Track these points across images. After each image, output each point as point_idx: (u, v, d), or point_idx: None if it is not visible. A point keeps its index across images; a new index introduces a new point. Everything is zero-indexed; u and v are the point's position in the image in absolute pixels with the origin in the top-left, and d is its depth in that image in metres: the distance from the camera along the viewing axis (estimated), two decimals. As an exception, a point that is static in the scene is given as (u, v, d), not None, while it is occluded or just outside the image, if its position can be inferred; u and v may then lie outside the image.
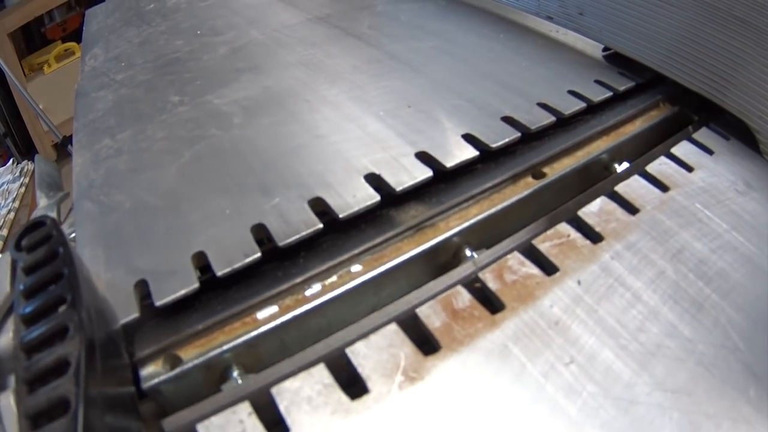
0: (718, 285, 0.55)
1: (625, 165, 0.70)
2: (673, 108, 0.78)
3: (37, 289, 0.45)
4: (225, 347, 0.53)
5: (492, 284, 0.54)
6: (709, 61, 0.72)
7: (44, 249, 0.47)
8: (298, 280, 0.58)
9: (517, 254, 0.57)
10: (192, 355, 0.53)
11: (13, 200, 2.50)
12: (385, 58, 0.92)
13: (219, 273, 0.56)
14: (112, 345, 0.48)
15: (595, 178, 0.68)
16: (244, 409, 0.46)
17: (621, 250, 0.57)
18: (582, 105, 0.75)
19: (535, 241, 0.58)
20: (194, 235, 0.61)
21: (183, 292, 0.55)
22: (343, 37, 1.02)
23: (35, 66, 3.66)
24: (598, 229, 0.59)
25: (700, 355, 0.49)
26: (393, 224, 0.62)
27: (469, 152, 0.67)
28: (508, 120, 0.72)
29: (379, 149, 0.69)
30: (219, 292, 0.58)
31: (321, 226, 0.60)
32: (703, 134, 0.71)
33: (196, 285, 0.55)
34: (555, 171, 0.69)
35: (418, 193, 0.65)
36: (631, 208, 0.61)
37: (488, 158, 0.69)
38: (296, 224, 0.60)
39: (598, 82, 0.79)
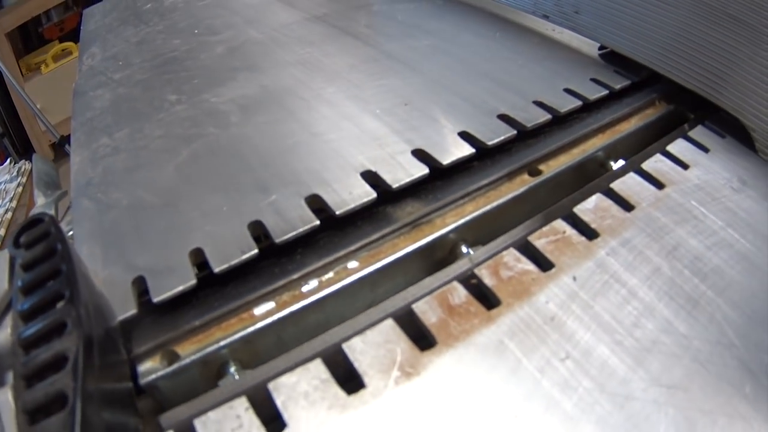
0: (714, 282, 0.55)
1: (621, 162, 0.70)
2: (669, 106, 0.78)
3: (35, 285, 0.45)
4: (222, 343, 0.53)
5: (488, 280, 0.54)
6: (704, 59, 0.72)
7: (42, 246, 0.47)
8: (295, 276, 0.58)
9: (512, 250, 0.57)
10: (189, 351, 0.53)
11: (11, 200, 2.49)
12: (381, 57, 0.92)
13: (216, 269, 0.56)
14: (110, 341, 0.48)
15: (590, 176, 0.68)
16: (241, 404, 0.46)
17: (616, 246, 0.57)
18: (578, 103, 0.75)
19: (530, 238, 0.58)
20: (191, 232, 0.61)
21: (180, 288, 0.55)
22: (340, 36, 1.02)
23: (33, 66, 3.65)
24: (593, 225, 0.59)
25: (696, 352, 0.49)
26: (389, 221, 0.62)
27: (466, 149, 0.67)
28: (504, 118, 0.72)
29: (375, 147, 0.69)
30: (216, 288, 0.58)
31: (318, 222, 0.60)
32: (698, 132, 0.71)
33: (193, 281, 0.55)
34: (551, 168, 0.69)
35: (414, 190, 0.65)
36: (626, 205, 0.61)
37: (484, 156, 0.69)
38: (293, 221, 0.60)
39: (593, 80, 0.80)
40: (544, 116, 0.72)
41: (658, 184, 0.64)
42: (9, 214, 2.41)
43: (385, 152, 0.68)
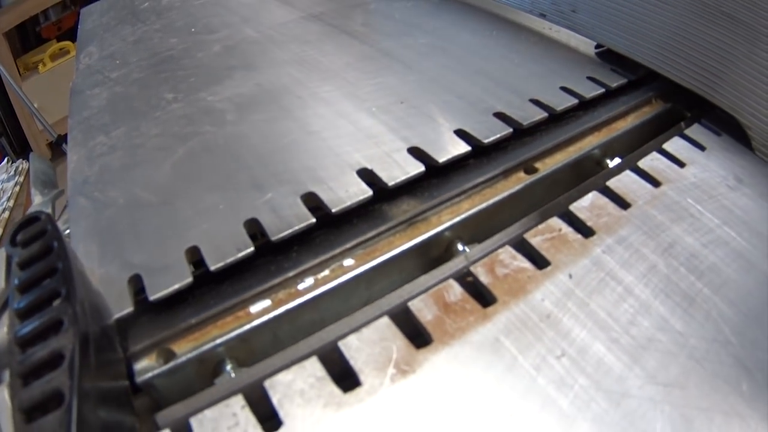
0: (710, 279, 0.55)
1: (617, 160, 0.70)
2: (666, 104, 0.78)
3: (31, 283, 0.45)
4: (218, 341, 0.53)
5: (484, 278, 0.54)
6: (700, 57, 0.72)
7: (39, 244, 0.47)
8: (291, 274, 0.58)
9: (508, 248, 0.57)
10: (185, 349, 0.53)
11: (8, 199, 2.50)
12: (378, 55, 0.92)
13: (212, 267, 0.56)
14: (106, 339, 0.48)
15: (587, 174, 0.68)
16: (238, 402, 0.46)
17: (612, 244, 0.57)
18: (574, 101, 0.75)
19: (526, 236, 0.58)
20: (188, 230, 0.61)
21: (176, 286, 0.55)
22: (336, 35, 1.02)
23: (30, 65, 3.64)
24: (589, 223, 0.59)
25: (692, 349, 0.49)
26: (385, 219, 0.62)
27: (462, 147, 0.67)
28: (501, 116, 0.72)
29: (371, 144, 0.69)
30: (212, 286, 0.58)
31: (313, 220, 0.60)
32: (695, 130, 0.71)
33: (189, 279, 0.55)
34: (547, 166, 0.68)
35: (410, 187, 0.65)
36: (622, 203, 0.61)
37: (480, 153, 0.69)
38: (289, 219, 0.60)
39: (590, 78, 0.79)
40: (541, 114, 0.72)
41: (655, 182, 0.64)
42: (6, 213, 2.41)
43: (381, 150, 0.68)
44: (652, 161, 0.66)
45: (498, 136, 0.69)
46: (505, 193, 0.65)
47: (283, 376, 0.47)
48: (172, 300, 0.55)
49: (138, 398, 0.51)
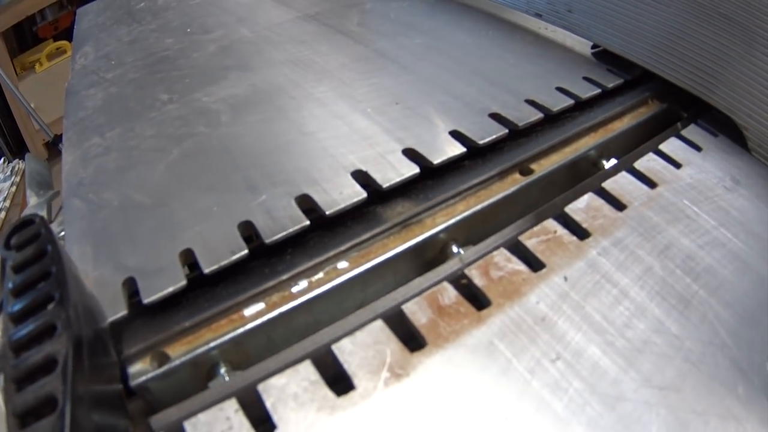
0: (706, 281, 0.55)
1: (613, 161, 0.70)
2: (662, 105, 0.78)
3: (25, 287, 0.45)
4: (212, 344, 0.53)
5: (478, 281, 0.54)
6: (696, 58, 0.72)
7: (33, 247, 0.47)
8: (285, 277, 0.58)
9: (503, 250, 0.56)
10: (179, 353, 0.53)
11: (4, 199, 2.49)
12: (373, 55, 0.92)
13: (206, 270, 0.56)
14: (100, 343, 0.48)
15: (582, 175, 0.68)
16: (231, 406, 0.46)
17: (608, 246, 0.57)
18: (570, 102, 0.74)
19: (521, 238, 0.57)
20: (182, 232, 0.61)
21: (170, 289, 0.54)
22: (332, 35, 1.02)
23: (27, 65, 3.63)
24: (585, 225, 0.59)
25: (688, 352, 0.49)
26: (379, 221, 0.62)
27: (456, 149, 0.67)
28: (496, 117, 0.72)
29: (366, 146, 0.69)
30: (206, 289, 0.58)
31: (307, 223, 0.60)
32: (691, 131, 0.71)
33: (183, 282, 0.55)
34: (542, 167, 0.68)
35: (404, 189, 0.65)
36: (618, 205, 0.61)
37: (475, 155, 0.69)
38: (283, 221, 0.60)
39: (586, 79, 0.79)
40: (536, 115, 0.72)
41: (651, 183, 0.63)
42: (2, 214, 2.41)
43: (376, 151, 0.68)
44: (648, 162, 0.66)
45: (493, 137, 0.69)
46: (500, 195, 0.65)
47: (277, 380, 0.47)
48: (167, 303, 0.55)
49: (132, 401, 0.51)
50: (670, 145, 0.68)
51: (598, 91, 0.77)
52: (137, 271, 0.57)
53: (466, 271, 0.55)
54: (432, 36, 0.97)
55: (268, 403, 0.46)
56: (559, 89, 0.77)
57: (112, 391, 0.47)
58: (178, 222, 0.63)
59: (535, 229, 0.58)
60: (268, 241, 0.58)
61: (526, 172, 0.68)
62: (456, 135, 0.69)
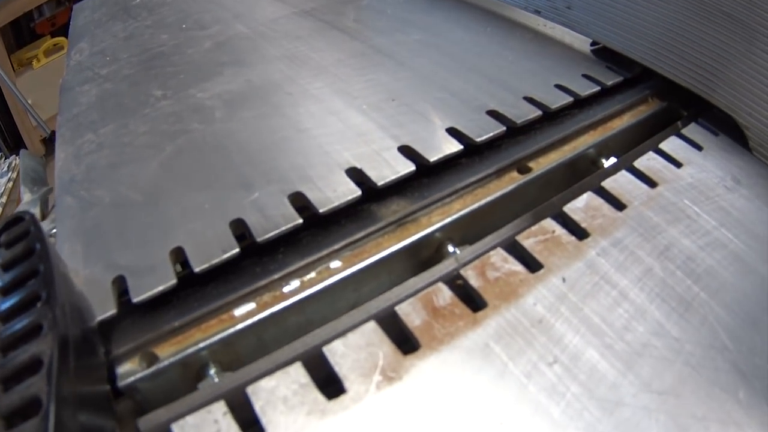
0: (707, 283, 0.53)
1: (613, 160, 0.68)
2: (662, 103, 0.77)
3: (14, 285, 0.45)
4: (201, 345, 0.52)
5: (474, 281, 0.52)
6: (697, 56, 0.71)
7: (22, 245, 0.47)
8: (276, 276, 0.57)
9: (500, 251, 0.55)
10: (168, 353, 0.52)
11: (1, 195, 2.48)
12: (369, 51, 0.91)
13: (196, 269, 0.55)
14: (88, 342, 0.47)
15: (582, 173, 0.66)
16: (219, 408, 0.45)
17: (607, 246, 0.55)
18: (569, 99, 0.73)
19: (519, 237, 0.56)
20: (173, 230, 0.60)
21: (160, 288, 0.54)
22: (328, 31, 1.01)
23: (24, 61, 3.62)
24: (584, 225, 0.57)
25: (688, 355, 0.48)
26: (374, 219, 0.61)
27: (453, 146, 0.66)
28: (494, 114, 0.71)
29: (361, 143, 0.68)
30: (197, 288, 0.57)
31: (300, 221, 0.58)
32: (691, 130, 0.70)
33: (173, 281, 0.54)
34: (541, 166, 0.67)
35: (400, 187, 0.64)
36: (618, 204, 0.60)
37: (473, 152, 0.68)
38: (275, 219, 0.59)
39: (585, 76, 0.78)
40: (535, 112, 0.71)
41: (651, 183, 0.62)
42: (-1, 209, 2.40)
43: (371, 149, 0.66)
44: (648, 161, 0.64)
45: (491, 134, 0.68)
46: (498, 194, 0.64)
47: (266, 382, 0.46)
48: (157, 302, 0.54)
49: (122, 402, 0.51)
50: (671, 144, 0.67)
51: (597, 88, 0.76)
52: (127, 270, 0.56)
53: (462, 272, 0.54)
54: (429, 32, 0.95)
55: (257, 406, 0.45)
56: (558, 87, 0.76)
57: (98, 392, 0.47)
58: (170, 220, 0.62)
59: (533, 228, 0.57)
60: (259, 239, 0.57)
61: (524, 170, 0.67)
62: (453, 132, 0.68)
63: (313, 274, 0.57)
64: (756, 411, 0.45)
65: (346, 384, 0.46)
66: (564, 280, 0.52)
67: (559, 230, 0.57)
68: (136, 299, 0.53)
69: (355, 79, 0.83)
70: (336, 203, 0.60)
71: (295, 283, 0.57)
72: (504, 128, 0.69)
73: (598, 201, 0.60)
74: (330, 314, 0.54)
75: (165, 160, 0.72)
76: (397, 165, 0.64)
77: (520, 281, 0.52)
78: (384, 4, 1.09)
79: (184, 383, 0.52)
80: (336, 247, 0.59)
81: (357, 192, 0.61)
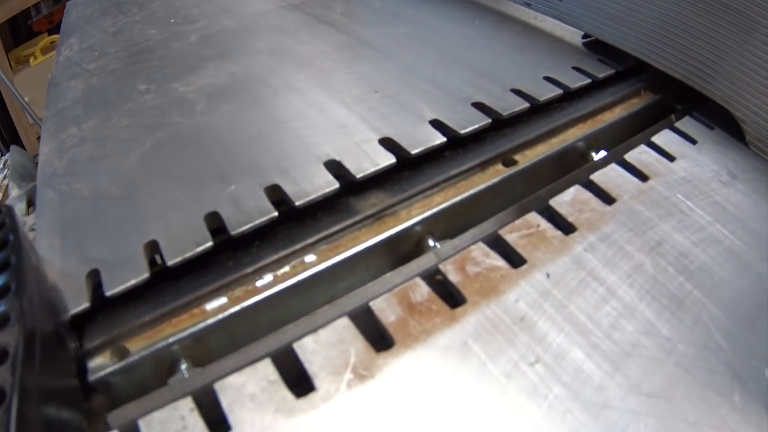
0: (701, 280, 0.50)
1: (603, 154, 0.65)
2: (655, 96, 0.74)
3: None
4: (171, 339, 0.50)
5: (453, 276, 0.49)
6: (692, 47, 0.68)
7: None
8: (249, 270, 0.54)
9: (481, 245, 0.52)
10: (139, 348, 0.50)
11: (-4, 193, 2.46)
12: (355, 44, 0.88)
13: (170, 262, 0.53)
14: (57, 336, 0.46)
15: (570, 167, 0.63)
16: (186, 405, 0.43)
17: (595, 241, 0.52)
18: (558, 91, 0.70)
19: (501, 232, 0.53)
20: (148, 223, 0.58)
21: (133, 282, 0.51)
22: (314, 25, 0.98)
23: (21, 58, 3.60)
24: (570, 219, 0.54)
25: (680, 356, 0.45)
26: (351, 213, 0.58)
27: (436, 138, 0.63)
28: (479, 106, 0.68)
29: (341, 135, 0.65)
30: (171, 282, 0.54)
31: (275, 214, 0.56)
32: (686, 123, 0.67)
33: (146, 275, 0.52)
34: (527, 159, 0.64)
35: (380, 180, 0.61)
36: (607, 198, 0.57)
37: (457, 145, 0.65)
38: (250, 212, 0.56)
39: (576, 68, 0.75)
40: (522, 104, 0.68)
41: (642, 176, 0.59)
42: (-5, 207, 2.37)
43: (351, 141, 0.64)
44: (639, 154, 0.61)
45: (475, 126, 0.65)
46: (481, 186, 0.61)
47: (235, 379, 0.44)
48: (131, 296, 0.52)
49: (96, 398, 0.48)
50: (664, 138, 0.64)
51: (587, 81, 0.73)
52: (102, 263, 0.54)
53: (441, 267, 0.50)
54: (417, 25, 0.92)
55: (224, 403, 0.42)
56: (547, 79, 0.73)
57: (67, 386, 0.45)
58: (146, 213, 0.60)
59: (517, 222, 0.54)
60: (234, 233, 0.55)
61: (509, 163, 0.64)
62: (436, 124, 0.65)
63: (286, 269, 0.55)
64: (753, 416, 0.42)
65: (316, 382, 0.43)
66: (548, 275, 0.49)
67: (545, 224, 0.54)
68: (108, 293, 0.51)
69: (338, 71, 0.80)
70: (313, 196, 0.57)
71: (268, 278, 0.54)
72: (489, 120, 0.65)
73: (586, 195, 0.56)
74: (306, 310, 0.51)
75: (144, 153, 0.70)
76: (377, 157, 0.61)
77: (502, 277, 0.49)
78: (372, -3, 1.07)
79: (156, 379, 0.49)
80: (311, 240, 0.56)
81: (335, 185, 0.58)
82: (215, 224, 0.56)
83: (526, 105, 0.68)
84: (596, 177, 0.58)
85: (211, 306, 0.52)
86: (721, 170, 0.61)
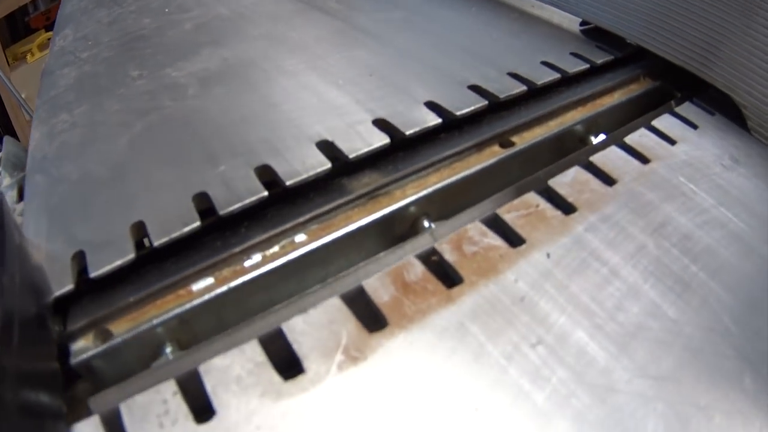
0: (706, 262, 0.47)
1: (602, 137, 0.62)
2: (654, 83, 0.71)
3: None
4: (155, 321, 0.47)
5: (449, 256, 0.46)
6: (692, 33, 0.65)
7: None
8: (237, 250, 0.51)
9: (478, 224, 0.49)
10: (123, 330, 0.47)
11: (-7, 188, 2.44)
12: (350, 29, 0.85)
13: (156, 243, 0.50)
14: (39, 318, 0.44)
15: (568, 151, 0.60)
16: (169, 388, 0.39)
17: (596, 222, 0.49)
18: (556, 75, 0.67)
19: (499, 211, 0.50)
20: (135, 204, 0.55)
21: (118, 263, 0.48)
22: (308, 11, 0.95)
23: (19, 55, 3.58)
24: (570, 199, 0.51)
25: (687, 339, 0.42)
26: (344, 192, 0.55)
27: (432, 119, 0.60)
28: (475, 89, 0.65)
29: (334, 116, 0.62)
30: (157, 264, 0.51)
31: (266, 194, 0.53)
32: (686, 108, 0.64)
33: (131, 256, 0.49)
34: (524, 140, 0.61)
35: (374, 161, 0.58)
36: (607, 179, 0.53)
37: (452, 127, 0.62)
38: (240, 192, 0.53)
39: (574, 54, 0.72)
40: (519, 87, 0.65)
41: (643, 159, 0.56)
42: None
43: (344, 122, 0.60)
44: (640, 137, 0.58)
45: (471, 108, 0.61)
46: (478, 167, 0.57)
47: (220, 361, 0.40)
48: (116, 278, 0.49)
49: (81, 383, 0.46)
50: (664, 122, 0.61)
51: (586, 66, 0.70)
52: (88, 245, 0.51)
53: (436, 246, 0.47)
54: (413, 11, 0.89)
55: (209, 386, 0.39)
56: (545, 63, 0.69)
57: (46, 369, 0.42)
58: (133, 194, 0.56)
59: (515, 202, 0.51)
60: (222, 212, 0.51)
61: (506, 144, 0.60)
62: (432, 106, 0.62)
63: (276, 248, 0.51)
64: (764, 400, 0.39)
65: (306, 363, 0.40)
66: (548, 255, 0.46)
67: (544, 204, 0.50)
68: (93, 274, 0.48)
69: (332, 55, 0.77)
70: (304, 176, 0.54)
71: (256, 257, 0.51)
72: (486, 102, 0.62)
73: (586, 176, 0.53)
74: (296, 293, 0.49)
75: (134, 136, 0.66)
76: (371, 138, 0.58)
77: (500, 256, 0.46)
78: (368, -17, 1.04)
79: (140, 363, 0.46)
80: (301, 219, 0.53)
81: (327, 164, 0.55)
82: (204, 205, 0.53)
83: (524, 88, 0.65)
84: (596, 159, 0.55)
85: (197, 287, 0.49)
86: (723, 155, 0.58)
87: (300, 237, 0.52)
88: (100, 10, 1.19)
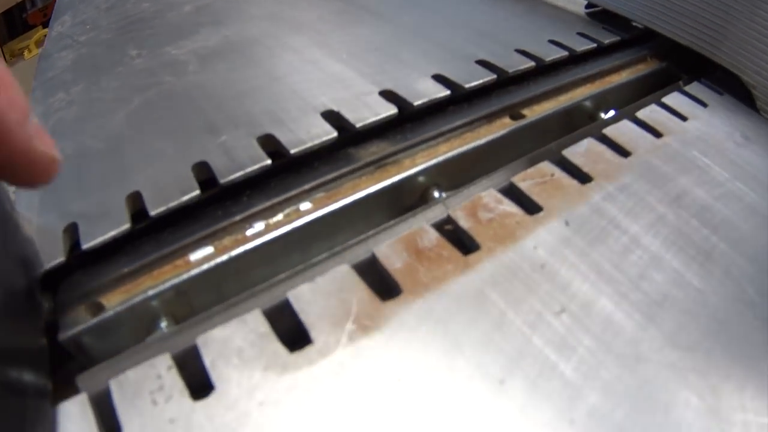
0: (726, 234, 0.44)
1: (612, 113, 0.59)
2: (661, 63, 0.68)
3: None
4: (150, 293, 0.43)
5: (464, 222, 0.42)
6: (699, 12, 0.62)
7: None
8: (238, 218, 0.47)
9: (493, 191, 0.45)
10: (115, 303, 0.42)
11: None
12: (353, 8, 0.82)
13: (152, 212, 0.46)
14: (27, 291, 0.39)
15: (577, 127, 0.57)
16: (164, 362, 0.35)
17: (613, 191, 0.46)
18: (564, 53, 0.64)
19: (514, 179, 0.46)
20: (132, 176, 0.51)
21: (112, 233, 0.44)
22: (311, -8, 0.92)
23: (16, 51, 3.55)
24: (585, 169, 0.47)
25: (714, 309, 0.38)
26: (350, 161, 0.52)
27: (440, 91, 0.56)
28: (483, 63, 0.61)
29: (340, 88, 0.58)
30: (154, 235, 0.47)
31: (269, 161, 0.49)
32: (695, 88, 0.61)
33: (126, 226, 0.45)
34: (535, 113, 0.58)
35: (381, 131, 0.55)
36: (622, 151, 0.50)
37: (461, 100, 0.58)
38: (242, 161, 0.49)
39: (581, 34, 0.69)
40: (527, 63, 0.61)
41: (656, 133, 0.53)
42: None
43: (350, 93, 0.57)
44: (651, 113, 0.55)
45: (480, 81, 0.58)
46: (489, 138, 0.54)
47: (219, 332, 0.36)
48: (110, 250, 0.45)
49: (74, 360, 0.42)
50: (674, 99, 0.58)
51: (593, 45, 0.67)
52: (81, 217, 0.47)
53: (450, 213, 0.44)
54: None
55: (207, 360, 0.35)
56: (552, 42, 0.66)
57: (32, 345, 0.38)
58: (130, 166, 0.53)
59: (530, 171, 0.47)
60: (223, 181, 0.48)
61: (517, 116, 0.57)
62: (440, 79, 0.59)
63: (279, 216, 0.48)
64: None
65: (313, 334, 0.36)
66: (567, 223, 0.43)
67: (559, 173, 0.47)
68: (86, 246, 0.44)
69: (336, 32, 0.73)
70: (309, 144, 0.50)
71: (259, 226, 0.47)
72: (494, 76, 0.59)
73: (601, 147, 0.50)
74: (300, 264, 0.45)
75: (132, 111, 0.63)
76: (378, 108, 0.54)
77: (517, 223, 0.42)
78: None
79: (134, 338, 0.42)
80: (307, 187, 0.49)
81: (333, 133, 0.51)
82: (204, 175, 0.49)
83: (532, 64, 0.62)
84: (609, 131, 0.52)
85: (195, 256, 0.45)
86: (734, 132, 0.55)
87: (305, 205, 0.48)
88: (99, -3, 1.16)
